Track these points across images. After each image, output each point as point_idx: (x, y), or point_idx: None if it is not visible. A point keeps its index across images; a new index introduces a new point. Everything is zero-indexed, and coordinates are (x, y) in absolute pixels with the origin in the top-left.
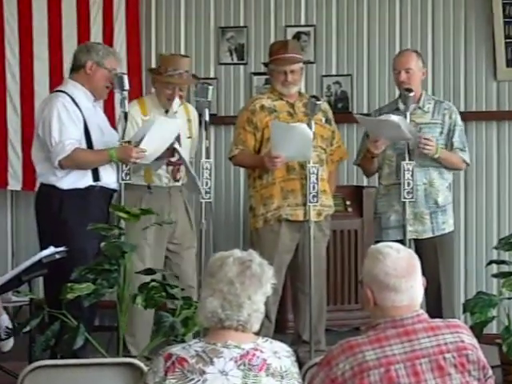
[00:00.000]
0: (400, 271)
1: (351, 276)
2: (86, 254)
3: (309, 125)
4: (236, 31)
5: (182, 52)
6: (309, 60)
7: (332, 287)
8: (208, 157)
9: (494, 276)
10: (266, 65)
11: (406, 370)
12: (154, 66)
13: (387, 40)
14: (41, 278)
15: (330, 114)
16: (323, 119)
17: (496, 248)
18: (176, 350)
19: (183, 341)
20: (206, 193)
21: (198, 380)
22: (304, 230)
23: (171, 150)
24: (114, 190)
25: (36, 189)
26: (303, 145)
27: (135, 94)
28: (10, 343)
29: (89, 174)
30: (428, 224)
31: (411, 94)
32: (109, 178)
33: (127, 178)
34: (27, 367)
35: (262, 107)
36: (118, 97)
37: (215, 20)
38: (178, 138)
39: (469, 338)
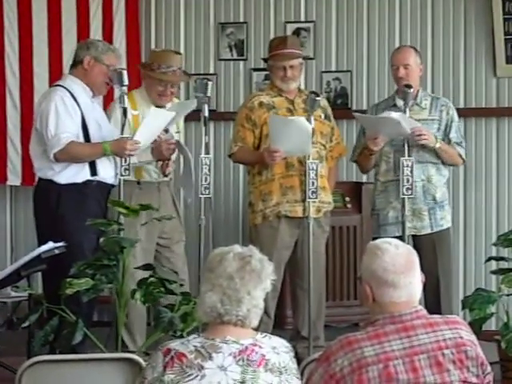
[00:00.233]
0: (398, 267)
1: (350, 272)
2: (84, 248)
3: (308, 121)
4: (236, 27)
5: (182, 47)
6: (308, 56)
7: (331, 283)
8: (207, 152)
9: (493, 272)
10: (265, 60)
11: (404, 365)
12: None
13: (387, 36)
14: (39, 273)
15: (329, 111)
16: (322, 115)
17: (495, 244)
18: (175, 345)
19: (182, 336)
20: (206, 188)
21: (197, 375)
22: (303, 226)
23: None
24: (111, 185)
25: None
26: (302, 138)
27: (134, 89)
28: None
29: (86, 168)
30: (426, 220)
31: (411, 90)
32: (106, 172)
33: (126, 174)
34: (26, 362)
35: (261, 104)
36: (117, 92)
37: (215, 16)
38: (166, 130)
39: (467, 334)
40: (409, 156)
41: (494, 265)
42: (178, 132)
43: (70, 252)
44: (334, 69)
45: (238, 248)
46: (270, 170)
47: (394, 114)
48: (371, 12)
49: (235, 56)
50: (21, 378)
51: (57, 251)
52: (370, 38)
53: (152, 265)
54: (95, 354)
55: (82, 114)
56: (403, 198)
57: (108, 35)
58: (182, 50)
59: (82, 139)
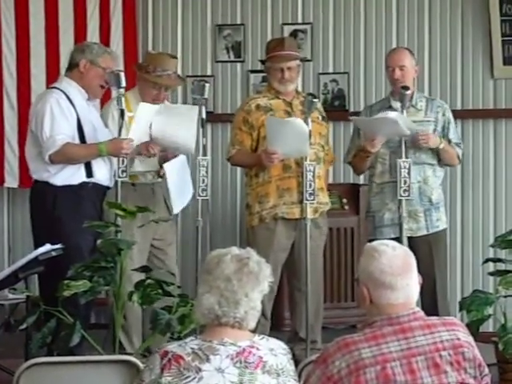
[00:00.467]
0: (396, 269)
1: (348, 274)
2: (81, 250)
3: (305, 122)
4: (233, 29)
5: (179, 49)
6: (305, 58)
7: (328, 285)
8: (205, 154)
9: (491, 274)
10: (262, 62)
11: (402, 367)
12: None
13: (384, 38)
14: (37, 275)
15: (324, 114)
16: (320, 117)
17: (492, 246)
18: (172, 347)
19: (179, 338)
20: (203, 190)
21: (194, 377)
22: (300, 227)
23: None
24: (106, 187)
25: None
26: (299, 139)
27: None
28: None
29: (82, 170)
30: (422, 222)
31: (408, 92)
32: (102, 174)
33: (123, 175)
34: (23, 364)
35: (258, 107)
36: (114, 94)
37: (212, 17)
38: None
39: (465, 336)
40: (406, 157)
41: (491, 266)
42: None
43: (67, 254)
44: (331, 70)
45: (235, 250)
46: (266, 172)
47: (392, 114)
48: (368, 13)
49: (232, 58)
50: (18, 380)
51: (54, 253)
52: (367, 39)
53: (149, 267)
54: (93, 356)
55: (77, 116)
56: (400, 200)
57: (105, 36)
58: (179, 52)
59: (77, 141)
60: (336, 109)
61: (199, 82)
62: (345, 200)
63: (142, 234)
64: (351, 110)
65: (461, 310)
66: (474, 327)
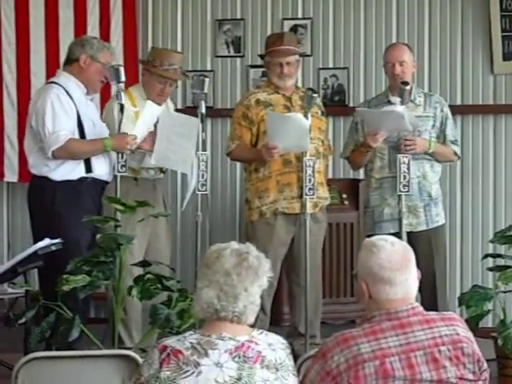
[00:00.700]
0: (394, 264)
1: (347, 269)
2: (80, 245)
3: (305, 117)
4: (233, 24)
5: (179, 44)
6: (305, 53)
7: (328, 280)
8: (204, 149)
9: (490, 269)
10: (262, 57)
11: (400, 362)
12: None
13: (384, 33)
14: (36, 270)
15: (323, 109)
16: (319, 112)
17: (492, 241)
18: (171, 341)
19: (178, 333)
20: (202, 185)
21: (193, 372)
22: (300, 222)
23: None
24: (105, 182)
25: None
26: (300, 134)
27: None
28: None
29: (81, 165)
30: (422, 217)
31: (407, 87)
32: (101, 169)
33: (123, 170)
34: (22, 359)
35: (258, 101)
36: (114, 89)
37: (212, 12)
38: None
39: (464, 331)
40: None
41: (490, 262)
42: None
43: (66, 248)
44: (331, 66)
45: (235, 244)
46: (267, 167)
47: (399, 108)
48: (368, 9)
49: (232, 53)
50: (17, 375)
51: (53, 248)
52: (367, 34)
53: (149, 261)
54: (92, 350)
55: (77, 111)
56: (400, 195)
57: (105, 32)
58: (179, 47)
59: (77, 136)
60: (336, 104)
61: (199, 76)
62: (344, 195)
63: (141, 229)
64: (351, 105)
65: (460, 305)
66: (473, 322)
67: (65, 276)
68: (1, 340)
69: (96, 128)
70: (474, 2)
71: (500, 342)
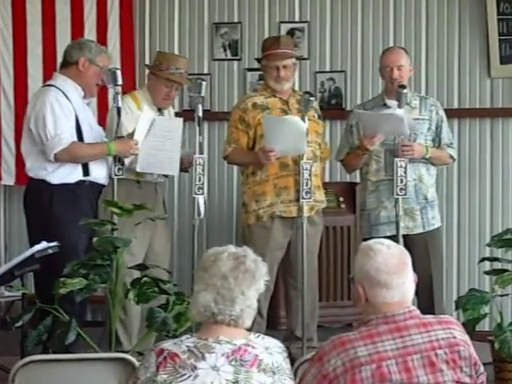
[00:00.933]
0: (391, 267)
1: (344, 272)
2: (77, 248)
3: (302, 120)
4: (230, 27)
5: (176, 47)
6: (302, 56)
7: (324, 283)
8: (201, 152)
9: (487, 273)
10: (258, 61)
11: (397, 366)
12: (147, 61)
13: (381, 36)
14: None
15: (320, 112)
16: (316, 115)
17: (489, 245)
18: (168, 345)
19: (175, 336)
20: (199, 188)
21: (190, 375)
22: (296, 226)
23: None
24: (102, 185)
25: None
26: (296, 137)
27: (128, 89)
28: None
29: (79, 168)
30: (419, 220)
31: (405, 91)
32: (98, 172)
33: (120, 173)
34: (19, 362)
35: (254, 105)
36: (111, 92)
37: (209, 16)
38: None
39: (460, 334)
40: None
41: (487, 265)
42: None
43: (64, 252)
44: (328, 69)
45: (232, 248)
46: (264, 170)
47: (399, 111)
48: (365, 12)
49: (229, 56)
50: (14, 378)
51: (50, 251)
52: (364, 38)
53: (146, 265)
54: (88, 353)
55: (75, 114)
56: (397, 199)
57: (102, 35)
58: (176, 50)
59: (75, 139)
60: (333, 107)
61: (196, 80)
62: (341, 198)
63: (142, 231)
64: (348, 108)
65: (457, 308)
66: (470, 326)
67: (61, 279)
68: None
69: (93, 131)
70: (471, 6)
71: (497, 345)
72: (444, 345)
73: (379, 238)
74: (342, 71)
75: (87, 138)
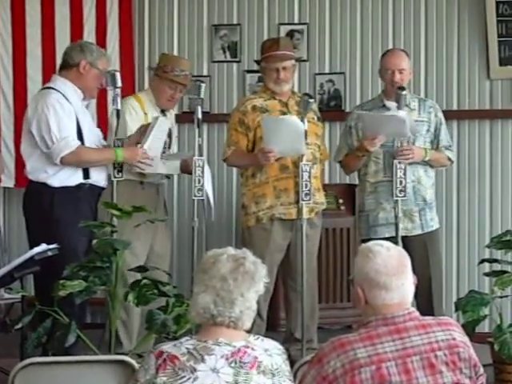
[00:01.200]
0: (390, 269)
1: (343, 274)
2: (77, 251)
3: (302, 122)
4: (229, 29)
5: (176, 49)
6: (302, 58)
7: (324, 285)
8: (201, 154)
9: (486, 275)
10: (258, 63)
11: (397, 367)
12: (146, 63)
13: (380, 38)
14: (32, 275)
15: (319, 114)
16: (315, 117)
17: (488, 247)
18: (167, 347)
19: (175, 338)
20: (199, 190)
21: (189, 377)
22: (296, 228)
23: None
24: (102, 188)
25: None
26: (295, 137)
27: (128, 91)
28: None
29: (79, 171)
30: (417, 221)
31: (404, 93)
32: (98, 175)
33: (119, 176)
34: (19, 364)
35: (254, 107)
36: (110, 94)
37: (208, 18)
38: (169, 135)
39: (460, 336)
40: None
41: (487, 267)
42: (176, 136)
43: (64, 254)
44: (327, 71)
45: (231, 250)
46: (263, 172)
47: (401, 113)
48: (364, 14)
49: (228, 58)
50: (14, 380)
51: (50, 253)
52: (364, 39)
53: (145, 267)
54: (88, 355)
55: (76, 116)
56: (396, 200)
57: (101, 37)
58: (175, 52)
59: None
60: (332, 109)
61: (195, 81)
62: (341, 200)
63: (144, 232)
64: (347, 110)
65: (456, 310)
66: (469, 328)
67: (61, 281)
68: None
69: (93, 134)
70: (470, 7)
71: (496, 347)
72: (443, 346)
73: (378, 239)
74: (341, 73)
75: (87, 141)
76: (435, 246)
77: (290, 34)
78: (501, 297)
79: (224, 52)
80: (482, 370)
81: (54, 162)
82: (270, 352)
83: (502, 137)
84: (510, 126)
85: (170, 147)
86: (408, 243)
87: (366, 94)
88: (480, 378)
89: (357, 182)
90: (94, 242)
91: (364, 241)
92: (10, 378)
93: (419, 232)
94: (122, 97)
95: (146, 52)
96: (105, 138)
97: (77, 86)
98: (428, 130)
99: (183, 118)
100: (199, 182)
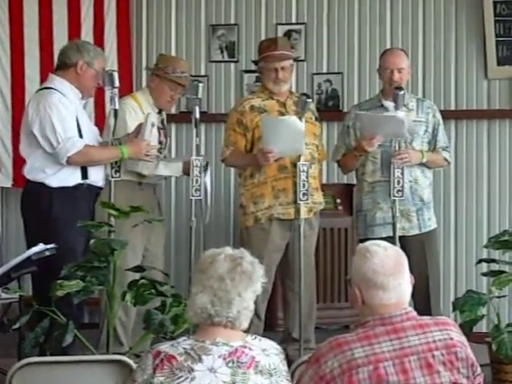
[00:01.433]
0: (387, 269)
1: (341, 274)
2: (75, 251)
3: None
4: (227, 29)
5: (173, 49)
6: (299, 58)
7: (322, 285)
8: (198, 154)
9: (484, 274)
10: (255, 63)
11: (394, 367)
12: (144, 63)
13: (378, 38)
14: (30, 275)
15: (317, 114)
16: (313, 117)
17: (486, 247)
18: (165, 347)
19: (172, 338)
20: (196, 190)
21: (187, 377)
22: (294, 228)
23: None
24: (100, 188)
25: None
26: (295, 137)
27: (125, 91)
28: None
29: (78, 171)
30: (415, 221)
31: (401, 93)
32: (96, 175)
33: (116, 176)
34: (16, 364)
35: (252, 108)
36: (108, 94)
37: (206, 17)
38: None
39: (457, 336)
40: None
41: (484, 267)
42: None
43: (62, 254)
44: (325, 71)
45: (229, 250)
46: (262, 172)
47: (400, 113)
48: (362, 14)
49: (226, 58)
50: (11, 380)
51: (48, 253)
52: (361, 39)
53: (143, 267)
54: (86, 355)
55: (76, 116)
56: (394, 200)
57: (99, 37)
58: (173, 52)
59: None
60: (330, 109)
61: (193, 81)
62: (338, 200)
63: (141, 232)
64: (345, 110)
65: (454, 310)
66: (467, 327)
67: (59, 281)
68: None
69: (91, 133)
70: (467, 7)
71: (494, 346)
72: (441, 346)
73: (375, 239)
74: (338, 73)
75: (86, 140)
76: (433, 245)
77: (288, 33)
78: (498, 297)
79: (222, 52)
80: (479, 369)
81: (54, 162)
82: (267, 352)
83: (499, 136)
84: (508, 125)
85: (165, 147)
86: (405, 243)
87: (364, 94)
88: (477, 378)
89: (354, 181)
90: (92, 241)
91: (361, 241)
92: (8, 378)
93: (417, 232)
94: (120, 97)
95: (143, 52)
96: (101, 136)
97: (74, 85)
98: (426, 131)
99: (181, 118)
100: (197, 182)
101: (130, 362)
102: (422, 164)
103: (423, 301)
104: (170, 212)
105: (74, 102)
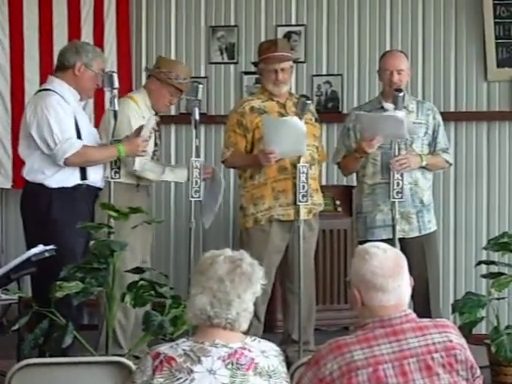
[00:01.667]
0: (387, 271)
1: (340, 276)
2: (75, 252)
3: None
4: (226, 30)
5: (173, 51)
6: (299, 59)
7: (321, 287)
8: (198, 156)
9: (484, 276)
10: (255, 65)
11: (394, 369)
12: (144, 64)
13: (377, 40)
14: (29, 276)
15: (316, 115)
16: (313, 118)
17: (485, 248)
18: (164, 348)
19: (172, 340)
20: (196, 192)
21: (186, 379)
22: (294, 229)
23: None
24: (99, 189)
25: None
26: (296, 138)
27: (125, 92)
28: None
29: (77, 172)
30: (415, 223)
31: (401, 94)
32: (95, 176)
33: (116, 177)
34: (16, 365)
35: (252, 109)
36: (107, 95)
37: (206, 19)
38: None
39: (457, 338)
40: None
41: (484, 269)
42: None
43: (61, 255)
44: (324, 72)
45: (228, 251)
46: (262, 174)
47: (400, 113)
48: (362, 16)
49: (226, 59)
50: (10, 381)
51: (47, 254)
52: (361, 41)
53: (142, 268)
54: (85, 357)
55: (75, 118)
56: (393, 202)
57: (99, 39)
58: (172, 53)
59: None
60: (329, 111)
61: (193, 83)
62: (338, 202)
63: (142, 234)
64: (345, 111)
65: (453, 312)
66: (466, 329)
67: (58, 282)
68: None
69: (90, 134)
70: (467, 9)
71: (493, 349)
72: (440, 348)
73: (375, 241)
74: (338, 74)
75: (85, 141)
76: (432, 248)
77: (288, 35)
78: (498, 299)
79: (221, 53)
80: (478, 371)
81: (53, 163)
82: (266, 354)
83: (499, 138)
84: (508, 127)
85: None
86: (405, 245)
87: (364, 96)
88: (477, 380)
89: (354, 183)
90: (91, 243)
91: (361, 242)
92: (7, 380)
93: (416, 234)
94: (119, 98)
95: (143, 53)
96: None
97: (72, 87)
98: (426, 133)
99: (181, 120)
100: (196, 184)
101: (130, 363)
102: (422, 166)
103: (423, 303)
104: (170, 213)
105: (72, 104)
